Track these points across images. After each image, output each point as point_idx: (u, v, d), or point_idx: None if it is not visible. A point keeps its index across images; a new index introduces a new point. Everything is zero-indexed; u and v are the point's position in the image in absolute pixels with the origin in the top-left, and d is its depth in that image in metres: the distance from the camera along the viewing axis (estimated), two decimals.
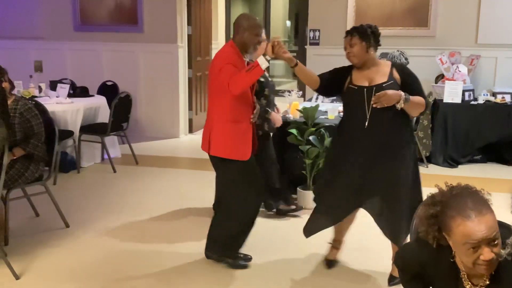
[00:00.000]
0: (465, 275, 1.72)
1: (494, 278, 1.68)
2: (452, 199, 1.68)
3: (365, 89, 2.92)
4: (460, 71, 5.98)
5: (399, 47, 5.69)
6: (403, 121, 2.96)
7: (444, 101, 5.84)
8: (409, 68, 3.07)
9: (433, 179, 5.31)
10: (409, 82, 2.93)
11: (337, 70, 3.14)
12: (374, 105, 2.85)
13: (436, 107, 5.88)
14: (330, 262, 3.37)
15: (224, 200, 3.40)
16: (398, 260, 1.99)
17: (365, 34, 2.95)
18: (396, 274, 3.08)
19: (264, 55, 3.02)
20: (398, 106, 2.84)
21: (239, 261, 3.35)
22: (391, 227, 3.04)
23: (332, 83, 3.11)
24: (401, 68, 3.01)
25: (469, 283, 1.72)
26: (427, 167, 5.80)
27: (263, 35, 3.40)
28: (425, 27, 6.51)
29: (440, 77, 6.28)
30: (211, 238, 3.40)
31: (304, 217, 4.22)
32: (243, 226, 3.32)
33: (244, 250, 3.42)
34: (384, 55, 5.29)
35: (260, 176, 3.30)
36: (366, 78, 2.97)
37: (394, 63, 3.03)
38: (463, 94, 5.85)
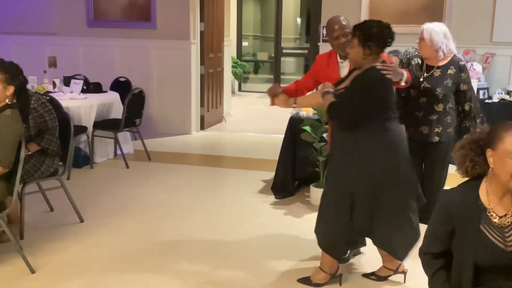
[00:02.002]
0: (492, 209, 1.87)
1: None
2: (498, 124, 1.88)
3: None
4: (474, 69, 5.93)
5: (413, 45, 5.64)
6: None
7: None
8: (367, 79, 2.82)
9: (448, 177, 5.28)
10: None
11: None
12: None
13: None
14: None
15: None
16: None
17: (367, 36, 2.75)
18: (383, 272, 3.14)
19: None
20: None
21: None
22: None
23: None
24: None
25: (496, 216, 1.88)
26: None
27: (342, 30, 3.20)
28: None
29: None
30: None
31: None
32: None
33: None
34: (393, 53, 5.26)
35: None
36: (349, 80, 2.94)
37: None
38: (478, 93, 5.80)
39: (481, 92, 5.84)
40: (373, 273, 3.19)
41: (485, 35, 6.37)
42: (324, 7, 6.95)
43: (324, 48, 6.99)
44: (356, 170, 2.77)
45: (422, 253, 2.08)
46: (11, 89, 3.29)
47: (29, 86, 4.24)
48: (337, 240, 2.92)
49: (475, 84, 5.77)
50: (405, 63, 3.92)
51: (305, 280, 3.11)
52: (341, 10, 6.81)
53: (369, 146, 2.76)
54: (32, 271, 3.18)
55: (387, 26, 2.80)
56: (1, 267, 3.25)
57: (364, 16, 6.58)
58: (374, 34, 2.74)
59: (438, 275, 2.01)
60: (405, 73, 3.01)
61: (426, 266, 2.07)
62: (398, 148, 2.80)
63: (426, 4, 6.46)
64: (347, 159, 2.81)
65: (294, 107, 3.15)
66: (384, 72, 2.76)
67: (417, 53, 4.83)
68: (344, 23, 3.25)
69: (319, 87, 3.05)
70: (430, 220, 2.03)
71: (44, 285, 3.08)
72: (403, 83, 2.98)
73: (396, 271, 3.13)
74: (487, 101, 5.84)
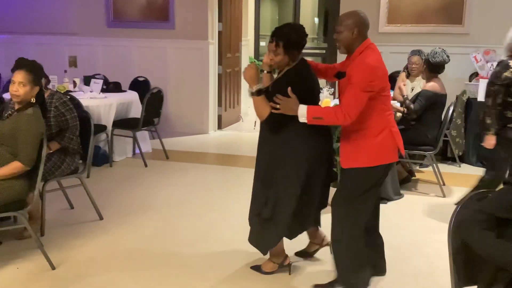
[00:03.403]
0: None
1: None
2: None
3: None
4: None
5: (432, 45, 5.60)
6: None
7: (478, 99, 5.71)
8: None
9: (465, 178, 5.24)
10: None
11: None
12: None
13: (470, 105, 5.78)
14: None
15: None
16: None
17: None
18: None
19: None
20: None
21: None
22: None
23: None
24: None
25: None
26: (460, 166, 5.71)
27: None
28: (459, 24, 6.40)
29: (474, 75, 6.16)
30: None
31: None
32: None
33: None
34: (415, 53, 5.21)
35: None
36: None
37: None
38: None
39: None
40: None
41: (506, 35, 6.28)
42: (342, 7, 6.92)
43: None
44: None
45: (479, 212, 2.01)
46: (37, 89, 3.35)
47: (50, 86, 4.30)
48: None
49: None
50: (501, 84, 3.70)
51: (256, 268, 3.28)
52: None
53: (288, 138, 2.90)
54: (53, 267, 3.24)
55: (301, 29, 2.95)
56: (22, 263, 3.31)
57: (383, 16, 6.55)
58: (294, 41, 2.87)
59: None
60: (302, 111, 2.74)
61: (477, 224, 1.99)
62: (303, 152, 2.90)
63: (445, 4, 6.40)
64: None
65: (251, 92, 2.90)
66: (272, 105, 2.82)
67: (444, 53, 4.73)
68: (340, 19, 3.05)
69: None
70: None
71: (64, 281, 3.13)
72: (301, 119, 2.78)
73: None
74: None
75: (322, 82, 10.71)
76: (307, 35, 2.95)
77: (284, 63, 2.93)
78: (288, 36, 2.87)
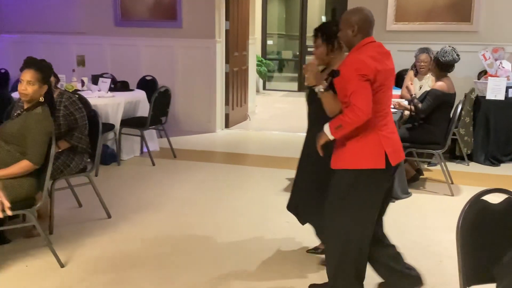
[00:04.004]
0: None
1: None
2: None
3: None
4: (503, 67, 5.83)
5: (440, 43, 5.57)
6: None
7: (487, 97, 5.71)
8: None
9: (474, 177, 5.22)
10: None
11: None
12: None
13: (478, 104, 5.75)
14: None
15: None
16: None
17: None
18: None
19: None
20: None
21: None
22: None
23: None
24: None
25: None
26: (468, 165, 5.68)
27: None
28: (468, 22, 6.36)
29: (482, 73, 6.13)
30: None
31: None
32: None
33: None
34: (423, 51, 5.19)
35: None
36: None
37: None
38: (507, 91, 5.70)
39: (510, 90, 5.73)
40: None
41: None
42: (350, 5, 6.89)
43: None
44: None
45: None
46: (45, 88, 3.36)
47: (58, 85, 4.32)
48: None
49: (504, 82, 5.68)
50: None
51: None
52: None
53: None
54: (61, 265, 3.26)
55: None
56: (31, 261, 3.33)
57: (390, 14, 6.52)
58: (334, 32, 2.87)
59: None
60: (326, 127, 2.64)
61: None
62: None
63: (453, 1, 6.37)
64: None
65: (320, 91, 2.76)
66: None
67: (453, 51, 4.68)
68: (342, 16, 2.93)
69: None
70: None
71: (73, 278, 3.15)
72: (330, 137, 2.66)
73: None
74: None
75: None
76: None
77: (327, 55, 2.98)
78: (328, 27, 2.96)
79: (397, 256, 2.90)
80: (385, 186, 2.68)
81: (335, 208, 2.69)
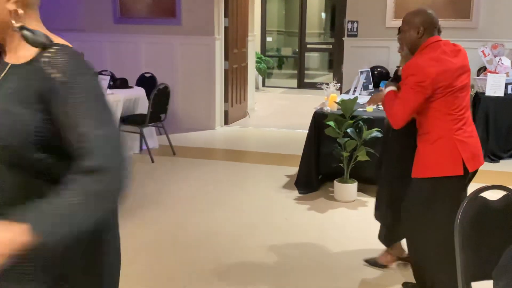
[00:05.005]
0: None
1: None
2: None
3: None
4: (503, 64, 5.82)
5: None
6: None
7: (486, 94, 5.70)
8: None
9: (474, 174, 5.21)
10: None
11: None
12: None
13: (478, 100, 5.75)
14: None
15: None
16: None
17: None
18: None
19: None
20: None
21: None
22: None
23: None
24: None
25: None
26: None
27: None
28: (467, 18, 6.36)
29: (482, 70, 6.13)
30: None
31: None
32: None
33: None
34: None
35: None
36: None
37: None
38: (506, 87, 5.69)
39: (509, 87, 5.73)
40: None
41: None
42: (349, 1, 6.90)
43: (349, 43, 6.96)
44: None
45: None
46: None
47: None
48: None
49: (503, 79, 5.68)
50: None
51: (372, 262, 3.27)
52: (366, 4, 6.76)
53: None
54: None
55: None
56: None
57: (390, 10, 6.51)
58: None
59: None
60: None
61: None
62: None
63: None
64: None
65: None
66: None
67: None
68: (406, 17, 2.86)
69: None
70: None
71: None
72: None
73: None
74: None
75: (329, 77, 10.67)
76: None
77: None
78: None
79: None
80: (464, 193, 2.55)
81: (416, 222, 2.62)
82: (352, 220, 4.03)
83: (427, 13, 2.63)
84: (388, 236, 3.15)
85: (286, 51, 13.28)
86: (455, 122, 2.51)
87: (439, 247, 2.56)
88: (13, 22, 1.28)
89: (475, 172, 2.60)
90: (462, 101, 2.54)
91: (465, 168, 2.49)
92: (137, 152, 5.95)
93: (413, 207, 2.62)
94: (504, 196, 2.06)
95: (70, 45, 1.35)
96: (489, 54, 5.91)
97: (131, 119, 5.65)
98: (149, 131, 5.98)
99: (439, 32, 2.68)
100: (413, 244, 2.71)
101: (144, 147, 5.83)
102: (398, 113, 2.52)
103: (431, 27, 2.60)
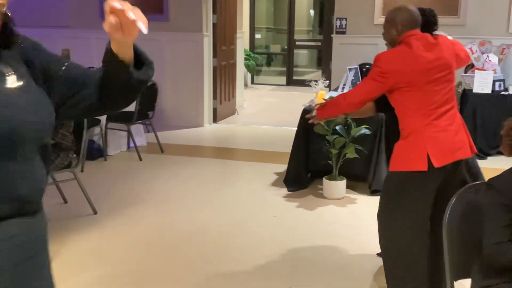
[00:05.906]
0: None
1: None
2: None
3: None
4: (490, 61, 5.85)
5: None
6: None
7: (474, 91, 5.73)
8: None
9: None
10: None
11: None
12: None
13: (465, 97, 5.77)
14: None
15: None
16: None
17: None
18: None
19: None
20: None
21: None
22: None
23: None
24: None
25: None
26: None
27: None
28: (455, 15, 6.38)
29: (469, 67, 6.15)
30: None
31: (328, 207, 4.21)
32: None
33: None
34: None
35: None
36: None
37: None
38: (493, 84, 5.72)
39: (497, 84, 5.76)
40: None
41: (501, 26, 6.28)
42: None
43: (337, 40, 6.95)
44: None
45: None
46: None
47: None
48: None
49: (490, 76, 5.70)
50: None
51: None
52: (355, 2, 6.76)
53: None
54: None
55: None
56: None
57: (378, 7, 6.51)
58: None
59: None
60: None
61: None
62: None
63: None
64: None
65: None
66: None
67: None
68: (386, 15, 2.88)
69: None
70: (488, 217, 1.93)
71: (60, 276, 3.07)
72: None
73: None
74: (503, 93, 5.76)
75: (318, 74, 10.66)
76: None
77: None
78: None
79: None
80: (431, 188, 2.50)
81: (384, 211, 2.63)
82: (341, 217, 4.03)
83: (408, 10, 2.62)
84: None
85: (275, 48, 13.26)
86: (425, 117, 2.48)
87: (399, 242, 2.57)
88: None
89: (457, 165, 2.56)
90: (435, 95, 2.49)
91: (430, 164, 2.43)
92: (124, 150, 5.90)
93: (382, 198, 2.66)
94: (491, 193, 2.05)
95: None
96: (476, 51, 5.93)
97: (118, 117, 5.58)
98: (137, 128, 5.93)
99: (432, 27, 2.73)
100: (379, 232, 2.71)
101: (132, 144, 5.78)
102: (352, 95, 2.59)
103: (411, 25, 2.59)
